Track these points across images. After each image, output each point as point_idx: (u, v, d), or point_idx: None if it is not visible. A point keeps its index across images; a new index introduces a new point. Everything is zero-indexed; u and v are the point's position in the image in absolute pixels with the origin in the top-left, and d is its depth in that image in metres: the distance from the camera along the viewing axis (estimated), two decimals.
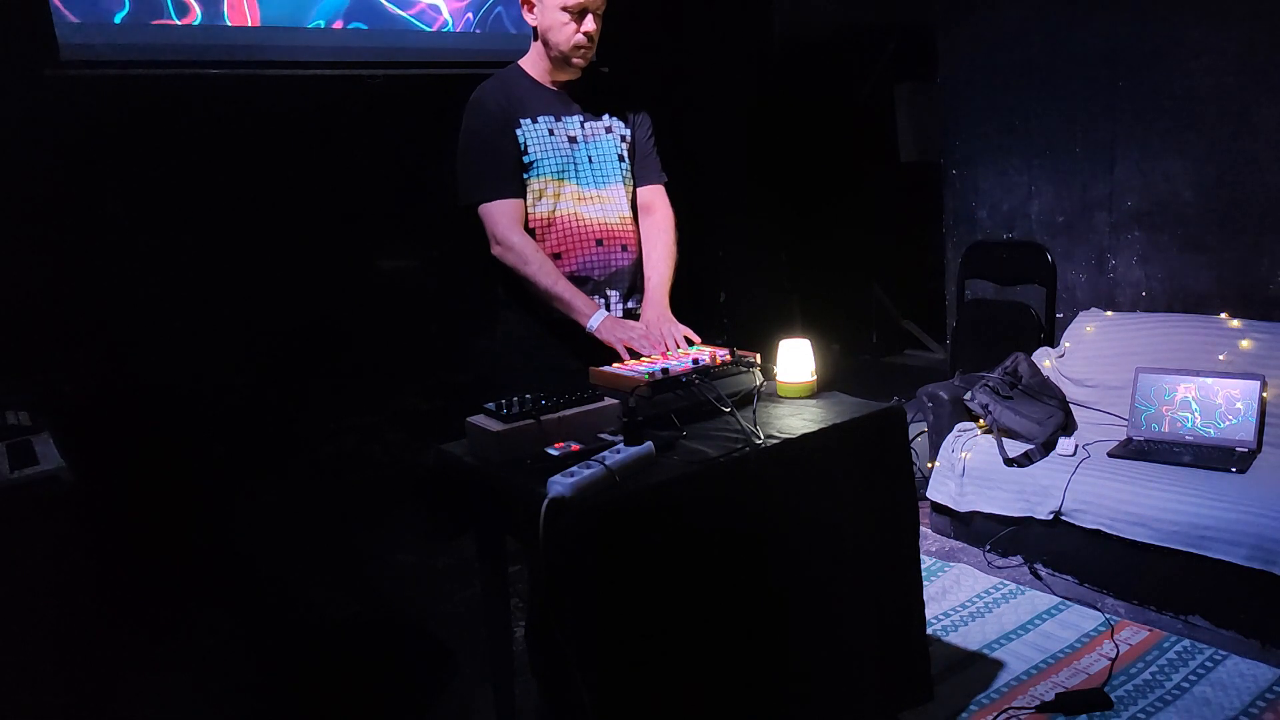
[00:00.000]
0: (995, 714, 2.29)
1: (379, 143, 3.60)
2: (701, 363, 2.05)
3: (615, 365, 2.08)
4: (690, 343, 2.21)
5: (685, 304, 2.34)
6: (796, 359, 2.13)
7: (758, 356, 2.11)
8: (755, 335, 2.88)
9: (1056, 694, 2.34)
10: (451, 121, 2.32)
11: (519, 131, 2.21)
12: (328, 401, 3.59)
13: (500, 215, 2.19)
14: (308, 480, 3.51)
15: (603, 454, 1.66)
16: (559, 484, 1.55)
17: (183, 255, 3.22)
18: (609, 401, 1.92)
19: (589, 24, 2.16)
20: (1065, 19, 3.58)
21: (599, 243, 2.28)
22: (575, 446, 1.75)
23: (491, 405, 1.86)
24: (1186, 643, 2.56)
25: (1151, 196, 3.44)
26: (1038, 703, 2.33)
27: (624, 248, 2.32)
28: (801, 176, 5.23)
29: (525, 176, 2.23)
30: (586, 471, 1.59)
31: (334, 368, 3.55)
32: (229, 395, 3.28)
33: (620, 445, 1.71)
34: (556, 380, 2.07)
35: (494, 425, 1.80)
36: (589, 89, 2.31)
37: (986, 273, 4.02)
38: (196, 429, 3.18)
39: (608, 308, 2.29)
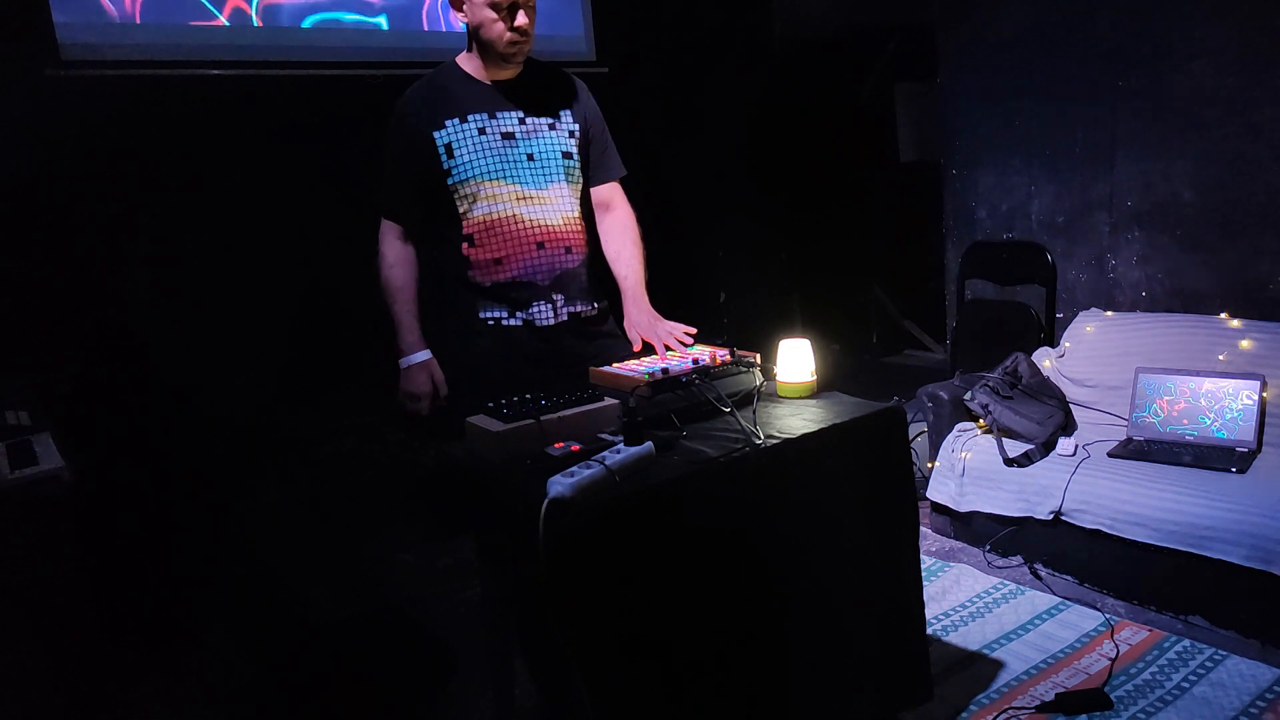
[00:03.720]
0: (995, 714, 2.29)
1: (379, 143, 3.60)
2: (701, 363, 2.05)
3: (615, 365, 2.08)
4: (689, 336, 2.20)
5: (685, 304, 2.35)
6: (796, 359, 2.13)
7: (758, 356, 2.11)
8: (755, 335, 2.88)
9: (1056, 694, 2.34)
10: None
11: (440, 134, 2.12)
12: (328, 401, 3.59)
13: (382, 229, 2.23)
14: (308, 480, 3.51)
15: (603, 454, 1.66)
16: (559, 484, 1.55)
17: (183, 255, 3.23)
18: (609, 401, 1.92)
19: (520, 19, 2.05)
20: (1065, 19, 3.58)
21: (540, 245, 2.17)
22: (575, 446, 1.76)
23: (491, 405, 1.86)
24: (1186, 643, 2.56)
25: (1151, 196, 3.44)
26: (1038, 703, 2.33)
27: (568, 250, 2.22)
28: (801, 176, 5.23)
29: (449, 182, 2.13)
30: (586, 471, 1.59)
31: (334, 367, 3.55)
32: (229, 395, 3.28)
33: (620, 445, 1.71)
34: (551, 380, 2.07)
35: (494, 425, 1.80)
36: (530, 84, 2.20)
37: (986, 273, 4.02)
38: (196, 429, 3.18)
39: (554, 313, 2.20)
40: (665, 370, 1.97)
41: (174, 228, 3.20)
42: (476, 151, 2.13)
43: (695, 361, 2.06)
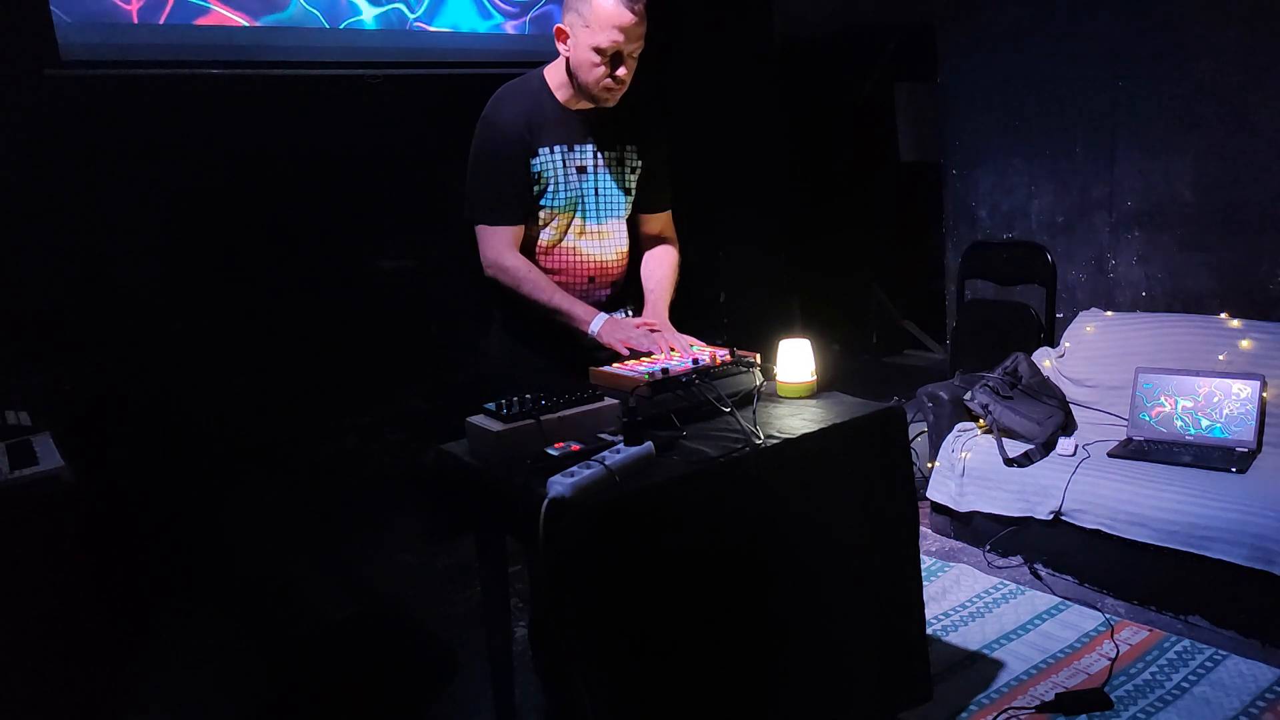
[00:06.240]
0: (995, 714, 2.29)
1: (379, 143, 3.61)
2: (701, 363, 2.05)
3: (615, 365, 2.08)
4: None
5: (685, 304, 2.34)
6: (796, 359, 2.13)
7: (758, 356, 2.11)
8: (755, 335, 2.88)
9: (1056, 694, 2.34)
10: (451, 122, 2.32)
11: (535, 161, 2.14)
12: (328, 401, 3.59)
13: (494, 239, 2.15)
14: (308, 480, 3.51)
15: (603, 454, 1.66)
16: (559, 484, 1.55)
17: (182, 255, 3.23)
18: (609, 401, 1.91)
19: (621, 70, 2.04)
20: (1065, 19, 3.58)
21: (591, 280, 2.26)
22: (575, 446, 1.75)
23: (491, 405, 1.86)
24: (1186, 643, 2.56)
25: (1151, 196, 3.44)
26: (1038, 703, 2.33)
27: (613, 284, 2.31)
28: (801, 176, 5.24)
29: (540, 202, 2.18)
30: (586, 471, 1.59)
31: (334, 368, 3.55)
32: (229, 395, 3.29)
33: (620, 445, 1.71)
34: (551, 380, 2.07)
35: (494, 425, 1.80)
36: (608, 118, 2.20)
37: (986, 273, 4.02)
38: (196, 429, 3.18)
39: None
40: (665, 370, 1.97)
41: (174, 228, 3.20)
42: (558, 183, 2.17)
43: (695, 361, 2.06)
